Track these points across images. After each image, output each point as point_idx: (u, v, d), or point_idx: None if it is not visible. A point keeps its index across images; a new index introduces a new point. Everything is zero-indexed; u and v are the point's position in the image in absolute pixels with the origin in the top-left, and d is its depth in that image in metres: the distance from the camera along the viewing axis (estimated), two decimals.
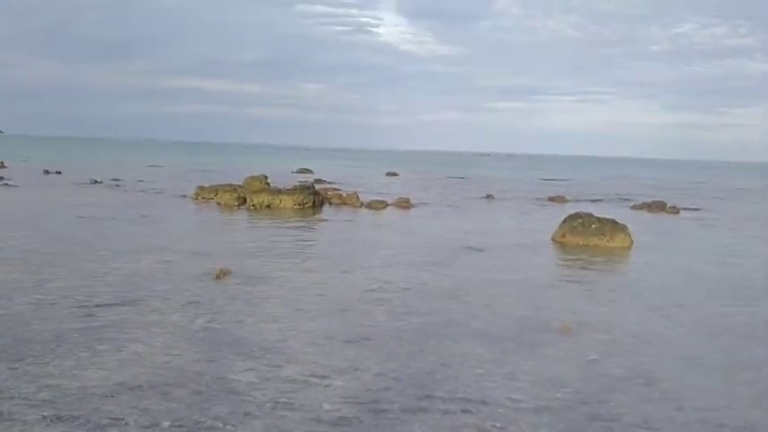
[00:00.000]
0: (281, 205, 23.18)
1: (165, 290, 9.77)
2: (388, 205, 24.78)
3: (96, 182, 30.49)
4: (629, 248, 16.09)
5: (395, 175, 53.10)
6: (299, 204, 23.30)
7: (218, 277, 10.76)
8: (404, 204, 25.27)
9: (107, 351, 6.96)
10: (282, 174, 47.12)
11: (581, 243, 16.11)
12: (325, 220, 20.02)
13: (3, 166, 40.26)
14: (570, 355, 7.47)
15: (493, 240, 16.52)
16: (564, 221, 16.92)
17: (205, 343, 7.37)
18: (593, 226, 16.40)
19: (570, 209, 27.05)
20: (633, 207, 28.86)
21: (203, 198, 25.03)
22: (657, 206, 28.83)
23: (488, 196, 30.89)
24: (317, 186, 31.00)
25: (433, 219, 21.27)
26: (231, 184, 25.82)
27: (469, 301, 9.80)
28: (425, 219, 21.21)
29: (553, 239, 16.87)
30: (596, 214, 17.24)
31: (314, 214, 21.97)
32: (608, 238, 16.14)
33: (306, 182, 31.23)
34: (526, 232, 18.52)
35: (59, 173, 37.47)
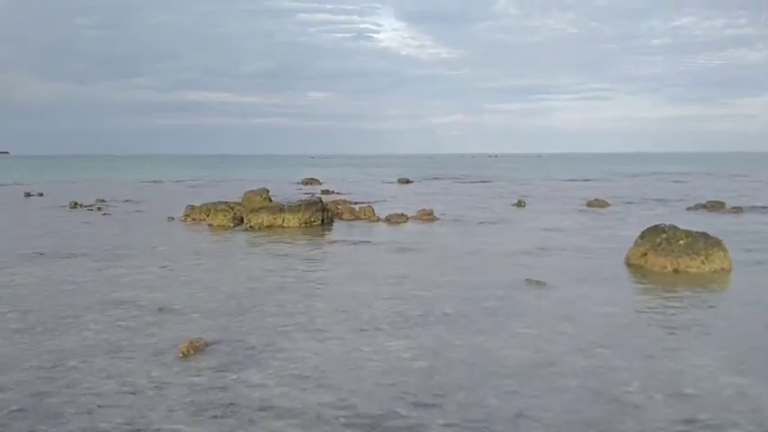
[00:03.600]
0: (285, 224, 19.72)
1: (89, 401, 6.24)
2: (408, 219, 21.25)
3: (77, 205, 27.04)
4: (730, 271, 12.50)
5: (408, 182, 49.52)
6: (306, 223, 19.82)
7: (185, 355, 7.24)
8: (427, 217, 21.71)
9: None
10: (287, 184, 43.73)
11: (668, 266, 12.49)
12: (338, 241, 16.50)
13: None
14: None
15: (552, 267, 12.96)
16: (642, 237, 13.31)
17: None
18: (681, 242, 12.79)
19: (616, 215, 23.53)
20: (688, 209, 25.22)
21: (193, 219, 21.56)
22: (715, 206, 25.20)
23: (519, 203, 27.27)
24: (325, 199, 27.57)
25: (467, 237, 17.65)
26: (226, 202, 22.34)
27: (573, 391, 6.24)
28: (457, 237, 17.60)
29: (628, 261, 13.29)
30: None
31: (323, 234, 18.46)
32: (702, 258, 12.52)
33: (312, 195, 27.74)
34: (588, 251, 14.91)
35: (41, 195, 34.12)
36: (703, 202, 26.10)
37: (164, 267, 13.02)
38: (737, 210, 23.99)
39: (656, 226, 13.43)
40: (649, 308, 9.62)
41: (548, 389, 6.25)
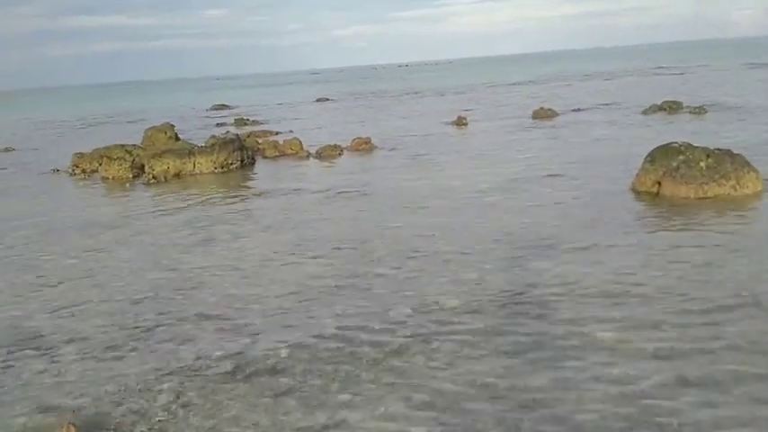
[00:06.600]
0: (196, 170, 16.25)
1: None
2: (343, 151, 18.05)
3: None
4: (762, 194, 10.06)
5: (326, 99, 45.85)
6: (222, 167, 16.40)
7: None
8: (364, 147, 18.53)
9: None
10: (196, 114, 39.39)
11: (691, 195, 9.94)
12: (266, 192, 13.25)
13: None
14: None
15: (546, 209, 10.19)
16: (651, 160, 10.64)
17: None
18: (702, 164, 10.21)
19: (574, 126, 20.99)
20: (645, 113, 22.90)
21: (83, 171, 17.70)
22: (673, 107, 22.98)
23: (459, 121, 24.30)
24: (241, 130, 24.14)
25: (420, 172, 14.54)
26: (122, 146, 18.42)
27: None
28: (408, 172, 14.52)
29: (636, 189, 10.68)
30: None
31: (245, 181, 15.16)
32: (733, 182, 9.99)
33: (227, 131, 24.13)
34: (572, 179, 12.19)
35: None
36: (657, 103, 23.79)
37: (34, 255, 9.56)
38: (700, 110, 21.79)
39: (668, 145, 10.74)
40: (714, 262, 6.96)
41: None
